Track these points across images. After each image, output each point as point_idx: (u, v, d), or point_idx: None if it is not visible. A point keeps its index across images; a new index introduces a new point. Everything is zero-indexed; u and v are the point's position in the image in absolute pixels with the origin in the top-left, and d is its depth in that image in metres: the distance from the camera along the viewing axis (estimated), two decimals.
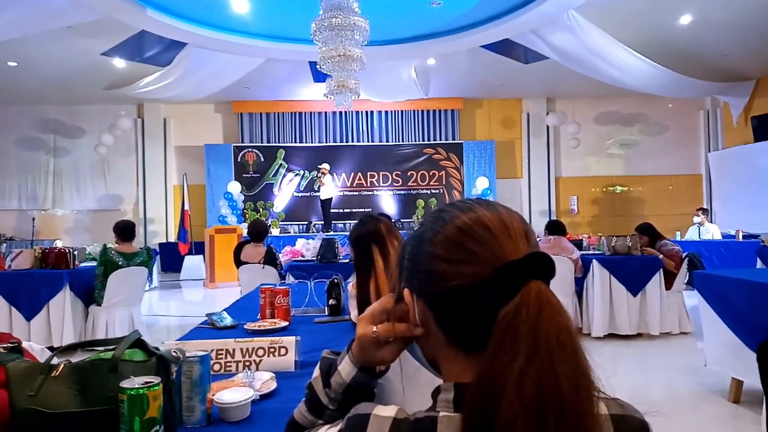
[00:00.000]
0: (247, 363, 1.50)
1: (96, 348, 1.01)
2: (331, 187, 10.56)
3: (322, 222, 10.75)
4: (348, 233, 9.92)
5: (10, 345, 0.97)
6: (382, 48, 7.98)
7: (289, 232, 11.00)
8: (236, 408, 1.10)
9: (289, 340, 1.55)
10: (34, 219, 10.72)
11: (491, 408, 0.52)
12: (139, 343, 0.94)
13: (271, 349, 1.52)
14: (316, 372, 0.82)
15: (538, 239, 3.05)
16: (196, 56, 8.35)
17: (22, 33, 6.99)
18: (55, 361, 0.92)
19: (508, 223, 0.63)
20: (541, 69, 9.33)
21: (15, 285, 4.73)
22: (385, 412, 0.61)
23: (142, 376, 0.85)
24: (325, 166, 10.53)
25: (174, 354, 0.92)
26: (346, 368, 0.76)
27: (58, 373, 0.89)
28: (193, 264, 10.41)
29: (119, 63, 8.95)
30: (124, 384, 0.82)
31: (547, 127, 11.93)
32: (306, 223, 11.38)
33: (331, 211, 10.75)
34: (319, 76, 9.08)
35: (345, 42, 6.11)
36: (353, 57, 6.27)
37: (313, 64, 8.81)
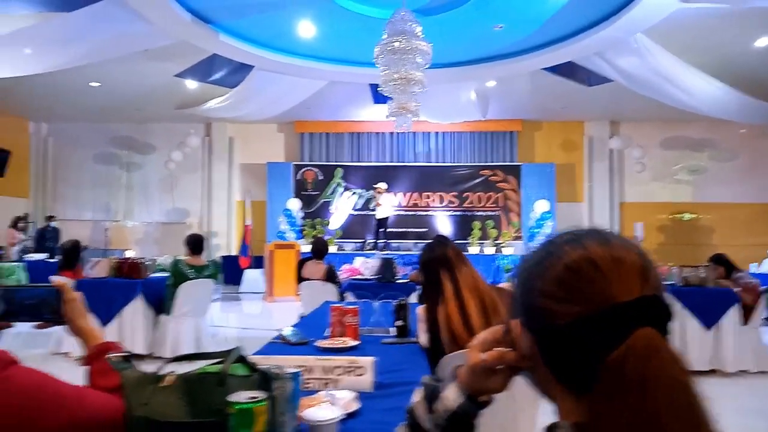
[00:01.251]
0: (326, 381, 1.53)
1: (194, 360, 1.07)
2: (387, 207, 10.65)
3: (374, 241, 10.83)
4: (403, 253, 9.98)
5: (123, 354, 1.04)
6: (442, 71, 8.05)
7: (345, 250, 11.14)
8: (326, 426, 1.13)
9: (367, 361, 1.57)
10: (107, 230, 11.35)
11: None
12: (240, 359, 0.99)
13: (349, 369, 1.55)
14: (418, 396, 0.82)
15: None
16: (262, 79, 8.69)
17: (105, 57, 7.51)
18: (162, 371, 0.98)
19: (622, 259, 0.60)
20: (605, 91, 9.13)
21: (93, 292, 5.01)
22: None
23: (246, 391, 0.89)
24: (382, 185, 10.64)
25: (275, 371, 0.97)
26: (451, 396, 0.75)
27: (167, 384, 0.95)
28: (252, 278, 10.70)
29: (191, 84, 9.43)
30: (233, 398, 0.86)
31: (611, 150, 11.61)
32: (362, 241, 11.49)
33: (388, 230, 10.84)
34: (378, 98, 9.24)
35: (407, 65, 6.20)
36: (414, 80, 6.34)
37: (373, 86, 9.00)
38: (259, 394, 0.88)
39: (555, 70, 8.21)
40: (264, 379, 0.95)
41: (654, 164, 11.51)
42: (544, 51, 7.62)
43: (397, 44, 6.03)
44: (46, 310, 1.10)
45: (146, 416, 0.92)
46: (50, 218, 11.09)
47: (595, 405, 0.53)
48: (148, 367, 1.00)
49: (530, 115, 11.49)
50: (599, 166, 11.70)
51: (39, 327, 1.16)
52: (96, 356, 1.07)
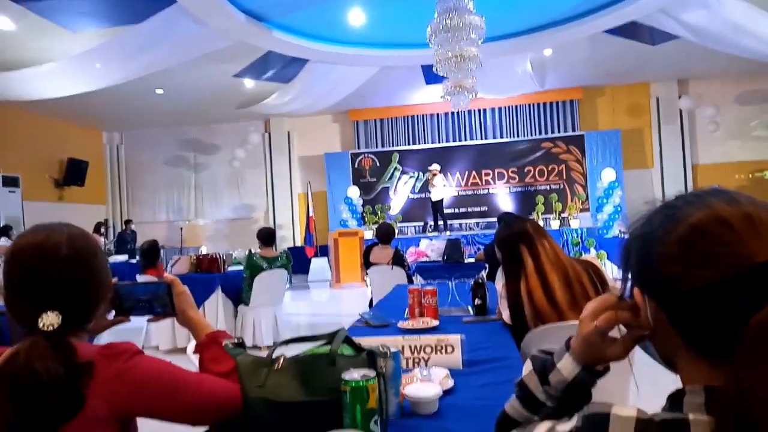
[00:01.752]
0: (416, 360, 1.57)
1: (299, 343, 1.12)
2: (441, 188, 10.59)
3: (433, 223, 10.81)
4: (466, 233, 9.90)
5: (236, 341, 1.11)
6: (497, 43, 7.85)
7: (406, 234, 11.19)
8: (428, 403, 1.16)
9: (455, 339, 1.59)
10: (182, 229, 11.93)
11: (745, 422, 0.50)
12: (346, 339, 1.03)
13: (439, 347, 1.58)
14: (527, 369, 0.83)
15: None
16: (316, 71, 8.81)
17: (169, 64, 7.83)
18: (274, 355, 1.04)
19: (756, 218, 0.59)
20: (671, 49, 8.62)
21: None
22: (625, 411, 0.60)
23: (357, 369, 0.93)
24: (435, 167, 10.60)
25: (381, 349, 1.00)
26: (567, 367, 0.76)
27: (279, 366, 1.00)
28: (319, 266, 10.98)
29: (248, 83, 9.69)
30: (346, 376, 0.90)
31: (680, 111, 10.98)
32: (422, 224, 11.49)
33: (446, 211, 10.79)
34: (430, 78, 9.16)
35: (461, 42, 6.09)
36: (469, 57, 6.23)
37: (424, 67, 8.91)
38: (370, 373, 0.91)
39: (615, 31, 7.81)
40: (371, 358, 0.99)
41: (728, 122, 10.81)
42: (604, 12, 7.26)
43: (449, 21, 5.94)
44: (159, 303, 1.19)
45: (263, 397, 0.98)
46: (128, 222, 11.78)
47: (740, 367, 0.52)
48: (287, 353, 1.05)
49: (591, 82, 11.02)
50: (669, 129, 11.10)
51: (151, 320, 1.27)
52: (208, 344, 1.14)
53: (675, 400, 0.61)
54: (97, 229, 10.91)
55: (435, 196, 10.54)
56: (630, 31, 7.83)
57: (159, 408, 1.00)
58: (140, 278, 5.26)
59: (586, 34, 7.85)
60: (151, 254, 5.89)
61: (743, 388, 0.51)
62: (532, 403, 0.80)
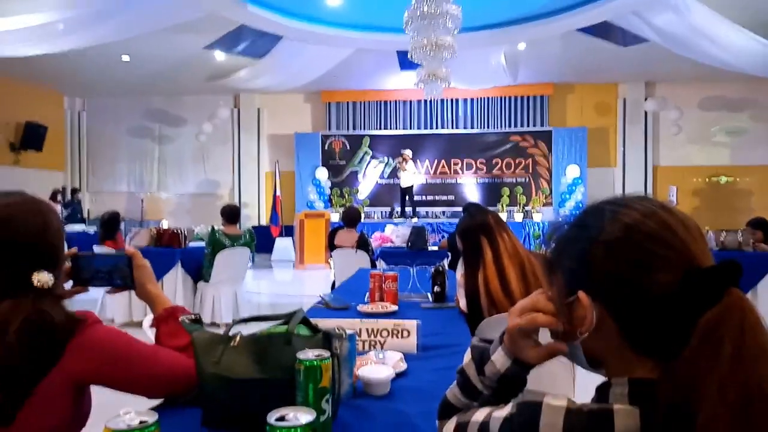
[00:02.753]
0: (372, 343, 1.60)
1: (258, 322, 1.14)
2: (411, 175, 10.63)
3: (400, 209, 10.87)
4: (432, 221, 10.00)
5: (193, 317, 1.11)
6: (472, 34, 7.87)
7: (373, 218, 11.22)
8: (381, 384, 1.19)
9: (411, 324, 1.63)
10: (142, 201, 11.65)
11: (685, 409, 0.54)
12: (303, 320, 1.05)
13: (395, 331, 1.61)
14: (467, 358, 0.85)
15: None
16: (289, 48, 8.67)
17: (138, 32, 7.58)
18: (231, 332, 1.05)
19: (689, 224, 0.63)
20: (640, 52, 8.82)
21: None
22: (556, 401, 0.63)
23: (312, 349, 0.95)
24: (408, 152, 10.62)
25: (337, 331, 1.02)
26: (500, 359, 0.78)
27: (236, 344, 1.02)
28: (283, 246, 10.92)
29: (219, 56, 9.47)
30: (300, 356, 0.92)
31: (645, 113, 11.29)
32: (389, 209, 11.54)
33: (415, 198, 10.86)
34: (405, 65, 9.13)
35: (437, 30, 6.10)
36: (444, 45, 6.24)
37: (400, 53, 8.88)
38: (324, 353, 0.94)
39: (588, 30, 7.95)
40: (326, 339, 1.01)
41: (690, 126, 11.18)
42: (578, 11, 7.37)
43: (426, 8, 5.93)
44: (118, 275, 1.18)
45: (218, 373, 0.99)
46: (75, 191, 11.35)
47: (686, 363, 0.56)
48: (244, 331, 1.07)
49: (562, 78, 11.20)
50: (633, 129, 11.41)
51: (110, 292, 1.26)
52: (165, 319, 1.15)
53: (602, 391, 0.65)
54: (53, 197, 10.56)
55: (405, 182, 10.58)
56: (602, 31, 7.97)
57: (114, 377, 1.01)
58: (97, 249, 5.14)
59: (559, 31, 7.96)
60: (111, 225, 5.76)
61: (688, 382, 0.55)
62: (470, 390, 0.82)
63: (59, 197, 10.74)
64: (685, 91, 11.17)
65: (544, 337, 0.74)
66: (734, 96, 11.07)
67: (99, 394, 1.06)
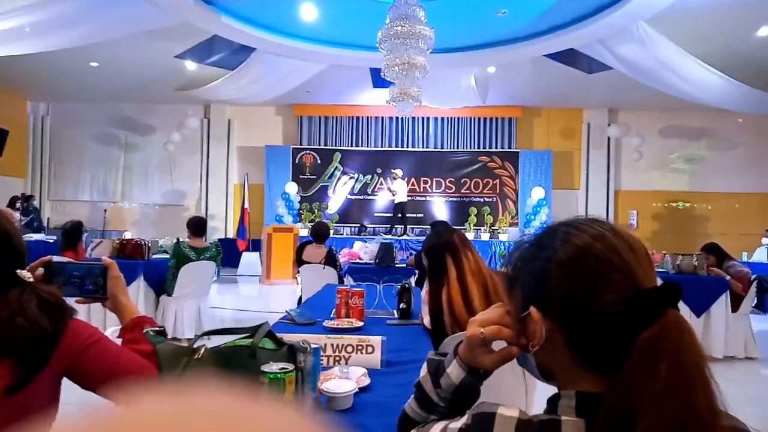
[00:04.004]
0: (337, 358, 1.61)
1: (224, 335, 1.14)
2: (403, 191, 10.70)
3: (390, 225, 10.92)
4: (400, 237, 10.03)
5: (158, 329, 1.11)
6: (444, 56, 8.05)
7: (342, 234, 11.21)
8: (343, 398, 1.20)
9: (376, 340, 1.65)
10: (105, 210, 11.36)
11: (624, 423, 0.57)
12: (269, 334, 1.06)
13: (359, 347, 1.63)
14: (423, 372, 0.87)
15: None
16: (263, 61, 8.67)
17: (107, 37, 7.46)
18: (196, 344, 1.05)
19: (635, 247, 0.67)
20: (605, 79, 9.16)
21: None
22: (509, 412, 0.66)
23: (277, 363, 0.96)
24: (398, 171, 10.76)
25: (302, 345, 1.03)
26: (455, 371, 0.81)
27: (200, 356, 1.02)
28: (250, 260, 10.77)
29: (190, 65, 9.39)
30: (265, 368, 0.93)
31: (609, 138, 11.67)
32: (358, 225, 11.55)
33: (385, 215, 10.93)
34: (378, 82, 9.25)
35: (409, 50, 6.21)
36: (417, 65, 6.36)
37: (373, 70, 8.99)
38: (288, 366, 0.95)
39: (556, 56, 8.23)
40: (291, 353, 1.02)
41: (651, 153, 11.60)
42: (546, 37, 7.62)
43: (399, 29, 6.04)
44: (92, 284, 1.18)
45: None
46: (29, 198, 10.95)
47: (625, 378, 0.59)
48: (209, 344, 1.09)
49: (530, 102, 11.52)
50: (597, 154, 11.78)
51: (80, 302, 1.25)
52: (131, 328, 1.14)
53: (552, 403, 0.68)
54: (12, 204, 10.20)
55: (398, 198, 10.62)
56: (569, 58, 8.26)
57: (92, 366, 1.03)
58: (57, 259, 4.98)
59: (528, 56, 8.21)
60: (73, 235, 5.60)
61: (627, 397, 0.58)
62: (427, 403, 0.84)
63: (18, 204, 10.37)
64: (646, 118, 11.60)
65: (496, 346, 0.78)
66: (694, 125, 11.56)
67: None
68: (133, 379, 1.04)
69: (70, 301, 1.07)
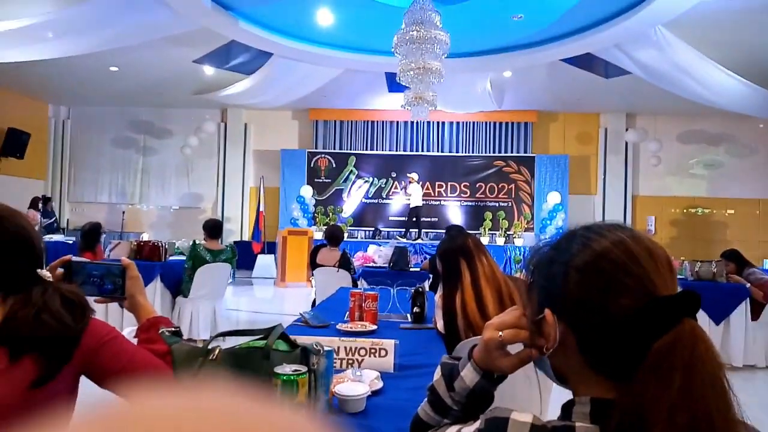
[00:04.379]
0: (350, 361, 1.61)
1: (236, 336, 1.15)
2: (417, 196, 10.73)
3: (405, 229, 10.94)
4: (414, 242, 10.03)
5: (173, 329, 1.12)
6: (460, 60, 8.04)
7: (356, 238, 11.24)
8: (356, 401, 1.21)
9: (389, 343, 1.65)
10: (123, 213, 11.52)
11: (636, 431, 0.56)
12: (282, 336, 1.06)
13: (372, 350, 1.63)
14: (437, 375, 0.88)
15: None
16: (279, 66, 8.75)
17: (127, 43, 7.60)
18: (210, 345, 1.06)
19: (654, 253, 0.66)
20: (622, 84, 9.07)
21: None
22: (522, 417, 0.66)
23: (290, 365, 0.97)
24: (414, 175, 10.77)
25: (315, 347, 1.04)
26: (469, 375, 0.81)
27: (215, 357, 1.03)
28: (265, 263, 10.85)
29: (208, 70, 9.50)
30: (278, 370, 0.94)
31: (626, 143, 11.55)
32: (372, 229, 11.56)
33: (399, 219, 10.94)
34: (393, 87, 9.26)
35: (425, 55, 6.22)
36: (432, 70, 6.36)
37: (388, 75, 9.01)
38: (301, 368, 0.95)
39: (572, 61, 8.17)
40: (304, 355, 1.03)
41: (669, 158, 11.45)
42: (562, 42, 7.58)
43: (415, 33, 6.05)
44: (111, 284, 1.20)
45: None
46: (48, 200, 11.10)
47: (638, 386, 0.58)
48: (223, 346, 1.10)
49: (546, 107, 11.44)
50: (614, 159, 11.66)
51: (99, 302, 1.28)
52: (147, 328, 1.16)
53: (566, 409, 0.68)
54: (34, 205, 10.39)
55: (413, 202, 10.64)
56: (586, 62, 8.20)
57: (98, 360, 1.04)
58: (75, 259, 5.06)
59: (544, 61, 8.17)
60: (92, 236, 5.71)
61: (640, 404, 0.57)
62: (441, 407, 0.84)
63: (39, 205, 10.54)
64: (665, 123, 11.46)
65: (512, 349, 0.79)
66: (712, 130, 11.39)
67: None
68: (148, 378, 1.05)
69: (89, 300, 1.09)
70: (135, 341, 1.17)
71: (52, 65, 8.61)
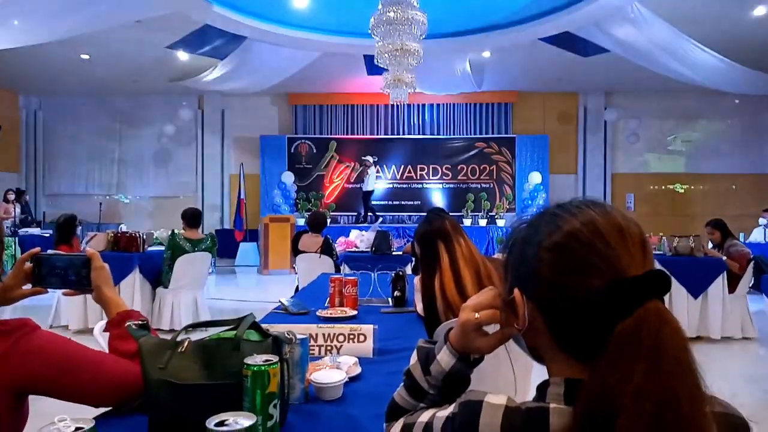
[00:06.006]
0: (329, 348, 1.60)
1: (207, 327, 1.12)
2: (373, 179, 10.74)
3: (367, 213, 10.92)
4: (397, 225, 10.04)
5: (140, 322, 1.09)
6: (438, 41, 7.97)
7: (339, 223, 11.20)
8: (332, 388, 1.19)
9: (368, 328, 1.63)
10: (101, 204, 11.32)
11: (606, 415, 0.55)
12: (253, 325, 1.04)
13: (351, 336, 1.61)
14: (413, 359, 0.87)
15: None
16: (255, 50, 8.59)
17: (97, 28, 7.38)
18: (179, 338, 1.03)
19: (625, 231, 0.63)
20: (601, 62, 9.09)
21: None
22: (496, 399, 0.65)
23: (261, 355, 0.94)
24: (369, 158, 10.75)
25: (287, 336, 1.02)
26: (444, 358, 0.80)
27: (184, 349, 1.00)
28: (247, 251, 10.78)
29: (182, 56, 9.31)
30: (248, 361, 0.92)
31: (605, 122, 11.62)
32: (355, 214, 11.53)
33: (381, 202, 10.93)
34: (372, 69, 9.16)
35: (403, 36, 6.16)
36: (410, 51, 6.31)
37: (367, 57, 8.91)
38: (273, 358, 0.93)
39: (551, 40, 8.15)
40: (276, 344, 1.00)
41: (648, 135, 11.57)
42: (540, 20, 7.55)
43: (392, 14, 5.99)
44: (76, 276, 1.17)
45: (164, 379, 0.97)
46: (22, 192, 10.83)
47: (603, 370, 0.57)
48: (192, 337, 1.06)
49: (526, 87, 11.44)
50: (593, 138, 11.74)
51: (66, 294, 1.25)
52: (117, 323, 1.13)
53: (541, 390, 0.67)
54: (5, 197, 10.14)
55: (367, 186, 10.64)
56: (564, 41, 8.19)
57: (56, 387, 0.98)
58: (51, 253, 4.96)
59: (523, 40, 8.14)
60: (67, 229, 5.59)
61: (606, 385, 0.56)
62: (417, 391, 0.83)
63: (11, 197, 10.26)
64: (643, 101, 11.55)
65: (490, 329, 0.78)
66: (689, 107, 11.51)
67: (43, 402, 1.03)
68: (117, 385, 1.02)
69: (58, 292, 1.04)
70: (106, 336, 1.14)
71: (21, 54, 8.36)
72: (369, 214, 10.74)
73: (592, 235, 0.63)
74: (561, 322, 0.65)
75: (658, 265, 0.66)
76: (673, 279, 4.27)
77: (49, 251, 1.29)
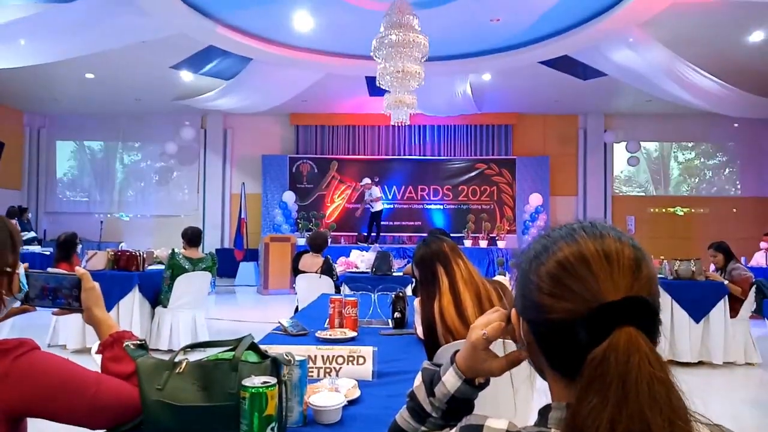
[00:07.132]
0: (328, 370, 1.58)
1: (205, 349, 1.12)
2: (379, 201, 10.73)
3: (366, 234, 10.91)
4: (398, 246, 10.01)
5: (138, 342, 1.08)
6: (439, 63, 8.07)
7: (339, 243, 11.18)
8: (330, 411, 1.18)
9: (367, 350, 1.62)
10: (102, 222, 11.32)
11: None
12: (252, 346, 1.03)
13: (350, 358, 1.60)
14: (418, 381, 0.86)
15: None
16: (259, 71, 8.68)
17: (103, 48, 7.48)
18: (177, 358, 1.03)
19: (614, 256, 0.62)
20: (600, 85, 9.19)
21: None
22: (498, 424, 0.64)
23: (259, 376, 0.93)
24: (367, 180, 10.79)
25: (286, 357, 1.01)
26: (450, 380, 0.80)
27: (182, 370, 0.99)
28: (247, 270, 10.73)
29: (186, 76, 9.40)
30: (246, 383, 0.91)
31: (605, 144, 11.68)
32: (356, 234, 11.52)
33: (382, 223, 10.91)
34: (374, 90, 9.25)
35: (404, 58, 6.22)
36: (412, 73, 6.37)
37: (368, 79, 9.01)
38: (271, 380, 0.92)
39: (551, 63, 8.25)
40: (274, 366, 0.99)
41: (647, 158, 11.63)
42: (540, 44, 7.65)
43: (394, 37, 6.06)
44: (66, 296, 1.15)
45: (162, 400, 0.96)
46: (24, 210, 10.87)
47: (580, 398, 0.56)
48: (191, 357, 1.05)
49: (526, 109, 11.53)
50: (593, 160, 11.79)
51: (56, 314, 1.23)
52: (110, 344, 1.11)
53: (542, 414, 0.66)
54: (10, 215, 10.14)
55: (376, 207, 10.63)
56: (564, 64, 8.28)
57: (52, 408, 0.97)
58: (51, 271, 4.95)
59: (522, 63, 8.23)
60: (67, 247, 5.58)
61: (581, 415, 0.55)
62: (419, 413, 0.83)
63: (15, 217, 10.29)
64: (642, 123, 11.62)
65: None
66: (689, 130, 11.58)
67: (40, 424, 1.02)
68: (114, 407, 1.01)
69: (48, 311, 1.03)
70: (99, 358, 1.13)
71: (27, 72, 8.46)
72: (372, 234, 10.71)
73: (576, 262, 0.62)
74: (547, 343, 0.66)
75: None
76: (674, 303, 4.24)
77: (49, 269, 1.28)
